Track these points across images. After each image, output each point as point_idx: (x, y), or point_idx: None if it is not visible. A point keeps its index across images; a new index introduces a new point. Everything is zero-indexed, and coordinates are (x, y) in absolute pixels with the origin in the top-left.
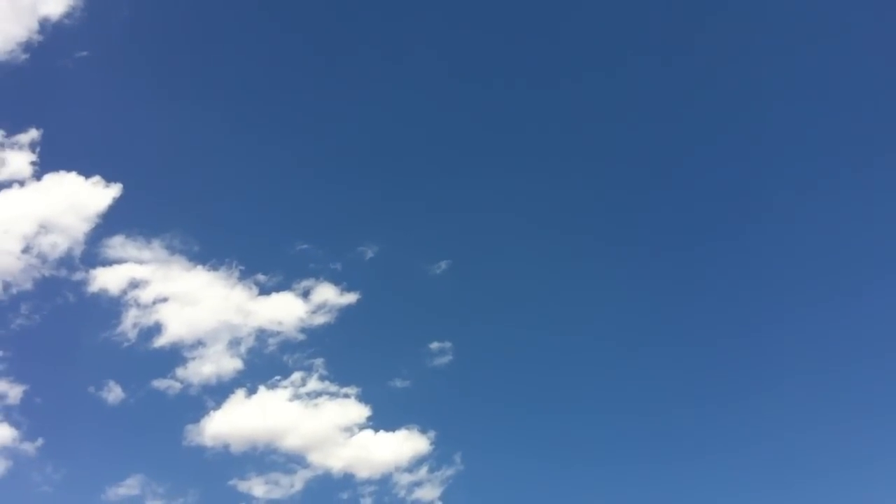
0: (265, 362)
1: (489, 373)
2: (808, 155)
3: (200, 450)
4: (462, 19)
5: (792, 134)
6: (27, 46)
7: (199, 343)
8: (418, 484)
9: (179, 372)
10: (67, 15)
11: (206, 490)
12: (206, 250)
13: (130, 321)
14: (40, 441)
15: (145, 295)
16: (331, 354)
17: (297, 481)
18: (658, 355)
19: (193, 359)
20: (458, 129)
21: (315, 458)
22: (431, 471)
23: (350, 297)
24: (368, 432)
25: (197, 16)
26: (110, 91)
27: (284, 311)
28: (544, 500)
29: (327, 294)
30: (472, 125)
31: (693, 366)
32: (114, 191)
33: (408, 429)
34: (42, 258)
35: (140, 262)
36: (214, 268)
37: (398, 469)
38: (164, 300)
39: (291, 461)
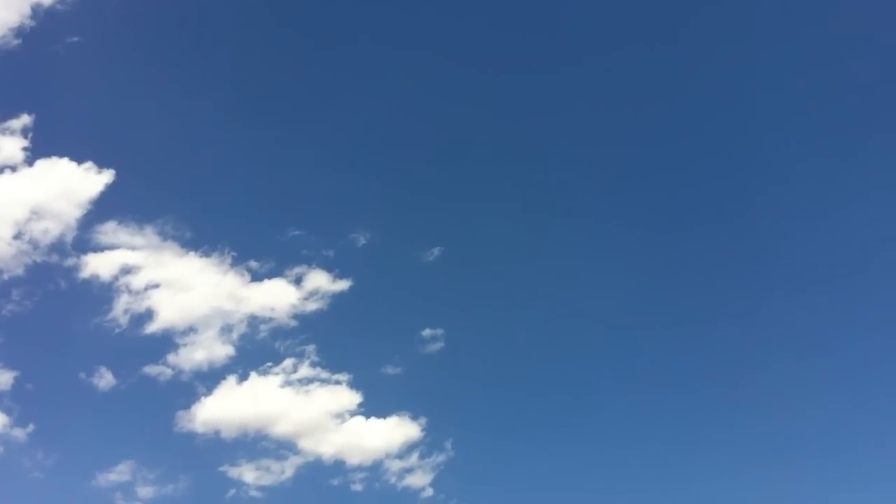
0: (257, 349)
1: (481, 360)
2: (800, 142)
3: (191, 436)
4: (458, 6)
5: (785, 120)
6: (19, 32)
7: (190, 329)
8: (409, 470)
9: (171, 358)
10: (60, 0)
11: (196, 476)
12: (199, 236)
13: (122, 307)
14: (31, 427)
15: (137, 281)
16: (323, 341)
17: (288, 467)
18: (650, 341)
19: (185, 345)
20: (450, 117)
21: (306, 444)
22: (422, 457)
23: (342, 284)
24: (360, 419)
25: (189, 2)
26: (103, 77)
27: (276, 297)
28: (535, 487)
29: (319, 281)
30: (464, 112)
31: (685, 351)
32: (106, 177)
33: (399, 415)
34: (34, 244)
35: (132, 248)
36: (207, 254)
37: (389, 455)
38: (156, 286)
39: (282, 447)
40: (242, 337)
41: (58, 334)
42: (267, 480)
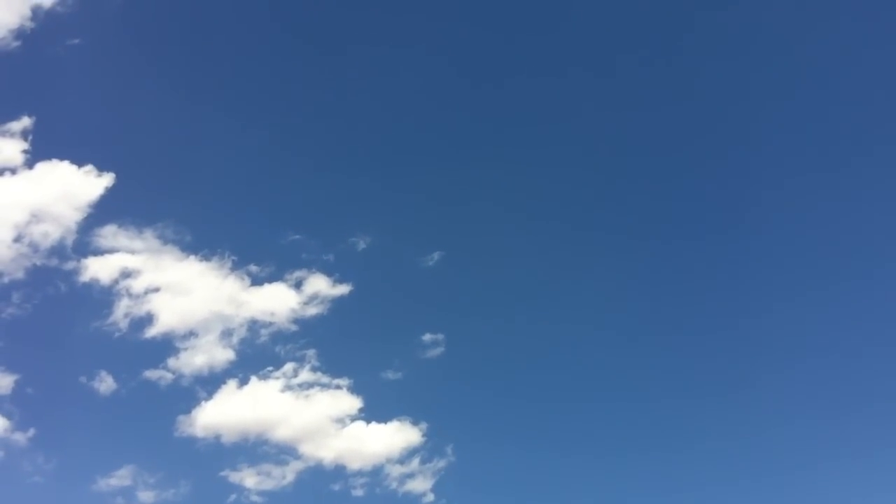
0: (257, 353)
1: (481, 365)
2: (799, 148)
3: (192, 440)
4: (457, 10)
5: (785, 125)
6: (19, 33)
7: (190, 333)
8: (410, 476)
9: (171, 362)
10: (60, 2)
11: (197, 481)
12: (199, 240)
13: (122, 311)
14: (32, 431)
15: (137, 285)
16: (323, 346)
17: (289, 472)
18: (651, 347)
19: (185, 349)
20: (451, 121)
21: (306, 449)
22: (423, 462)
23: (342, 289)
24: (360, 424)
25: (190, 4)
26: (103, 79)
27: (277, 301)
28: (536, 492)
29: (319, 285)
30: (465, 117)
31: (686, 358)
32: (106, 180)
33: (400, 420)
34: (33, 247)
35: (132, 251)
36: (207, 258)
37: (390, 461)
38: (156, 290)
39: (283, 452)
40: (243, 341)
41: (58, 338)
42: (268, 485)
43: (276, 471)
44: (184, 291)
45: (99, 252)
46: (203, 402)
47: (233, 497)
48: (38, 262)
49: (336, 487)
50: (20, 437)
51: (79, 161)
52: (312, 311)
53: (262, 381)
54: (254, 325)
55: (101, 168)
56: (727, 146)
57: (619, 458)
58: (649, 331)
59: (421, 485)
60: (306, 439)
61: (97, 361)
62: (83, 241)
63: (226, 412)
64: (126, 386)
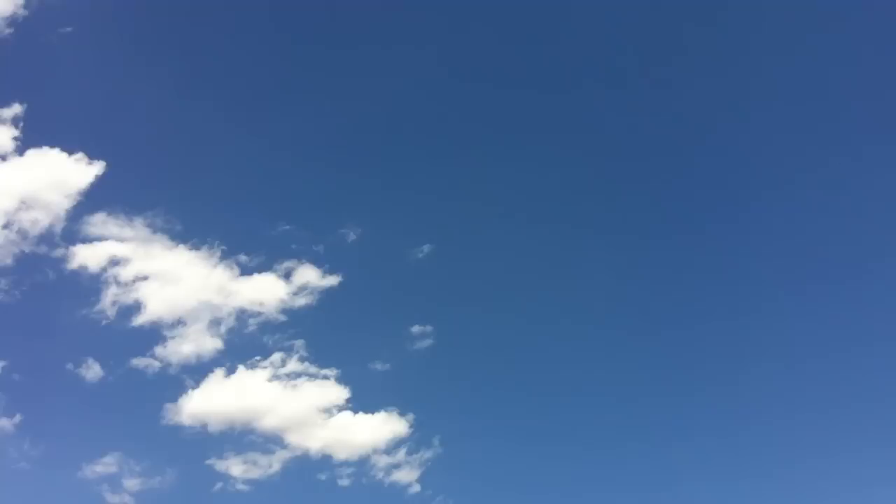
0: (245, 343)
1: (469, 357)
2: (795, 144)
3: (178, 429)
4: (448, 6)
5: (781, 122)
6: (12, 21)
7: (178, 322)
8: (396, 466)
9: (159, 350)
10: None
11: (183, 469)
12: (188, 230)
13: (110, 299)
14: (18, 417)
15: (125, 273)
16: (311, 336)
17: (275, 462)
18: (639, 340)
19: (173, 338)
20: (442, 114)
21: (293, 438)
22: (410, 453)
23: (332, 280)
24: (347, 414)
25: None
26: (95, 67)
27: (265, 291)
28: (522, 484)
29: (309, 276)
30: (456, 110)
31: (674, 351)
32: (97, 168)
33: (387, 411)
34: (22, 234)
35: (121, 240)
36: (196, 247)
37: (376, 451)
38: (145, 278)
39: (269, 441)
40: (231, 331)
41: (46, 325)
42: (254, 474)
43: (263, 460)
44: (172, 280)
45: (88, 240)
46: (190, 391)
47: (219, 485)
48: (27, 249)
49: (322, 477)
50: (6, 423)
51: (69, 149)
52: (301, 301)
53: (250, 371)
54: (242, 315)
55: (92, 156)
56: (718, 143)
57: (605, 451)
58: (637, 325)
59: (407, 475)
60: (293, 429)
61: (84, 349)
62: (72, 229)
63: (213, 401)
64: (113, 373)
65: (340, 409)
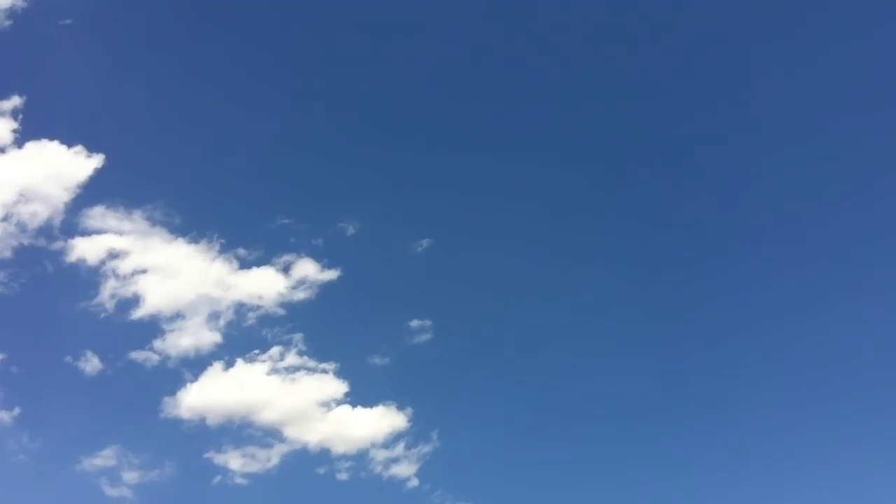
0: (244, 336)
1: (468, 351)
2: (797, 140)
3: (177, 422)
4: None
5: (783, 117)
6: (10, 13)
7: (177, 315)
8: (395, 460)
9: (157, 344)
10: None
11: (182, 462)
12: (187, 223)
13: (109, 292)
14: (17, 410)
15: (124, 266)
16: (310, 330)
17: (274, 455)
18: (639, 334)
19: (172, 331)
20: (441, 107)
21: (292, 432)
22: (408, 447)
23: (331, 274)
24: (346, 408)
25: None
26: (94, 60)
27: (264, 285)
28: (520, 478)
29: (308, 269)
30: (455, 103)
31: (674, 345)
32: (96, 161)
33: (385, 405)
34: (21, 227)
35: (120, 233)
36: (195, 241)
37: (375, 445)
38: (144, 272)
39: (268, 435)
40: (229, 324)
41: (44, 318)
42: (252, 468)
43: (261, 453)
44: (171, 273)
45: (87, 233)
46: (189, 384)
47: (217, 479)
48: (26, 242)
49: (321, 471)
50: (5, 416)
51: (69, 141)
52: (300, 295)
53: (249, 364)
54: (241, 309)
55: (91, 149)
56: (717, 138)
57: (604, 444)
58: (636, 319)
59: (405, 469)
60: (292, 422)
61: (83, 342)
62: (71, 222)
63: (211, 394)
64: (112, 366)
65: (339, 402)
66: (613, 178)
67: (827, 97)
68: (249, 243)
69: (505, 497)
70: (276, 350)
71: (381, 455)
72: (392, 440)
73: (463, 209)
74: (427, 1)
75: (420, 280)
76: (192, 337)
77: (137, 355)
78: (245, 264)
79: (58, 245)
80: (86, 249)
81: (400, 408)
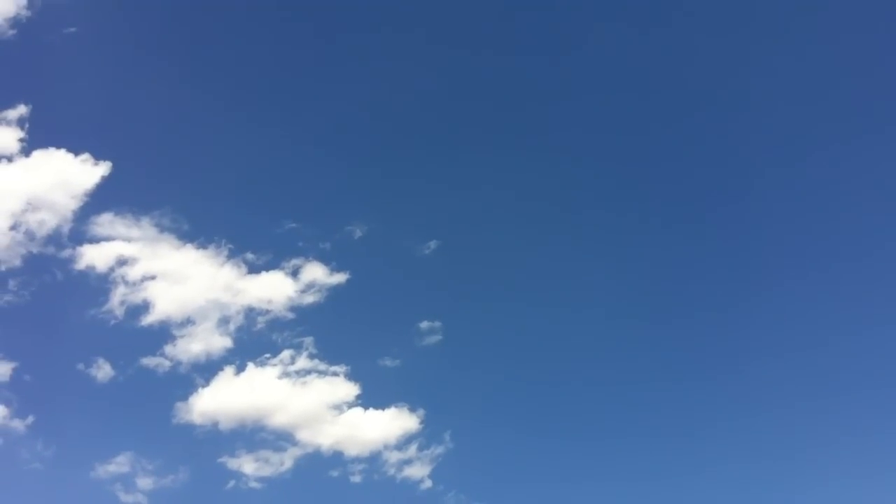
0: (254, 340)
1: (479, 352)
2: (801, 138)
3: (190, 427)
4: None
5: (789, 115)
6: (15, 22)
7: (187, 321)
8: (408, 462)
9: (168, 350)
10: None
11: (196, 467)
12: (195, 229)
13: (118, 299)
14: (30, 418)
15: (133, 273)
16: (320, 333)
17: (287, 459)
18: (649, 334)
19: (182, 337)
20: (448, 108)
21: (304, 435)
22: (421, 449)
23: (339, 277)
24: (358, 410)
25: None
26: (100, 68)
27: (273, 289)
28: (534, 478)
29: (316, 273)
30: (462, 104)
31: (684, 345)
32: (103, 168)
33: (397, 407)
34: (30, 235)
35: (128, 239)
36: (203, 246)
37: (387, 447)
38: (153, 278)
39: (280, 439)
40: (240, 329)
41: (55, 326)
42: (266, 472)
43: (274, 457)
44: (180, 279)
45: (95, 240)
46: (200, 389)
47: (231, 483)
48: (35, 250)
49: (334, 474)
50: (18, 425)
51: (75, 149)
52: (309, 299)
53: (260, 369)
54: (251, 313)
55: (98, 156)
56: (723, 137)
57: (615, 443)
58: (649, 319)
59: (419, 471)
60: (304, 426)
61: (94, 349)
62: (79, 230)
63: (223, 399)
64: (123, 373)
65: (350, 405)
66: (624, 176)
67: (827, 97)
68: (257, 248)
69: (519, 497)
70: (286, 354)
71: (395, 457)
72: (405, 442)
73: (470, 210)
74: (436, 5)
75: (429, 281)
76: (203, 342)
77: (149, 361)
78: (253, 269)
79: (66, 253)
80: (95, 257)
81: (412, 409)
